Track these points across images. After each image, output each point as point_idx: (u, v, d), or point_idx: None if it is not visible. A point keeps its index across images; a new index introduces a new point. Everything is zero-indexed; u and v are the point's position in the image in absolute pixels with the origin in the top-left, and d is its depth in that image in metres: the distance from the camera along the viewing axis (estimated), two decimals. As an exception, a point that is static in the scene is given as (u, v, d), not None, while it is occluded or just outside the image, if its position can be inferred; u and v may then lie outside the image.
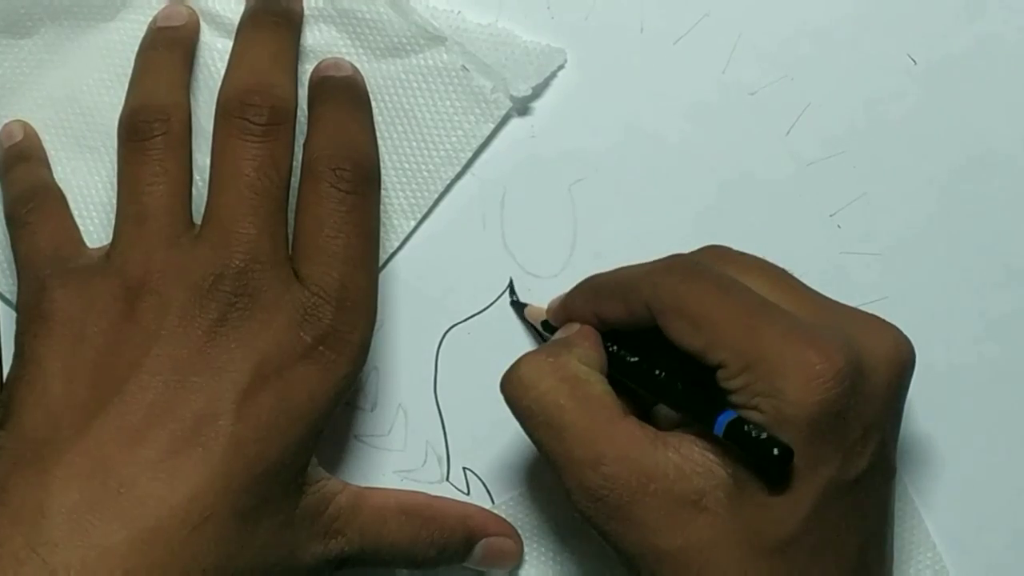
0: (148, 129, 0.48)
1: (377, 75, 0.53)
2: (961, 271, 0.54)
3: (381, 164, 0.51)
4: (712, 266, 0.46)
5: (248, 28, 0.51)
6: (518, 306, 0.53)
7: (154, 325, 0.46)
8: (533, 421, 0.46)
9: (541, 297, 0.53)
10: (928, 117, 0.54)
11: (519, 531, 0.54)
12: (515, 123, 0.54)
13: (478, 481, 0.54)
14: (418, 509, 0.50)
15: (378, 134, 0.52)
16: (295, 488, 0.47)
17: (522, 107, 0.54)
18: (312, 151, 0.49)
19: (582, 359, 0.47)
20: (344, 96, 0.51)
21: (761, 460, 0.43)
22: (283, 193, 0.48)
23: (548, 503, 0.54)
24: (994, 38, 0.54)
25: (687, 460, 0.44)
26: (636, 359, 0.47)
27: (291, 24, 0.51)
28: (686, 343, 0.44)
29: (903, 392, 0.46)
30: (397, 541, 0.50)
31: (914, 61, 0.54)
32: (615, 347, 0.48)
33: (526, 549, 0.54)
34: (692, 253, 0.48)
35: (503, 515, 0.54)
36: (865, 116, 0.54)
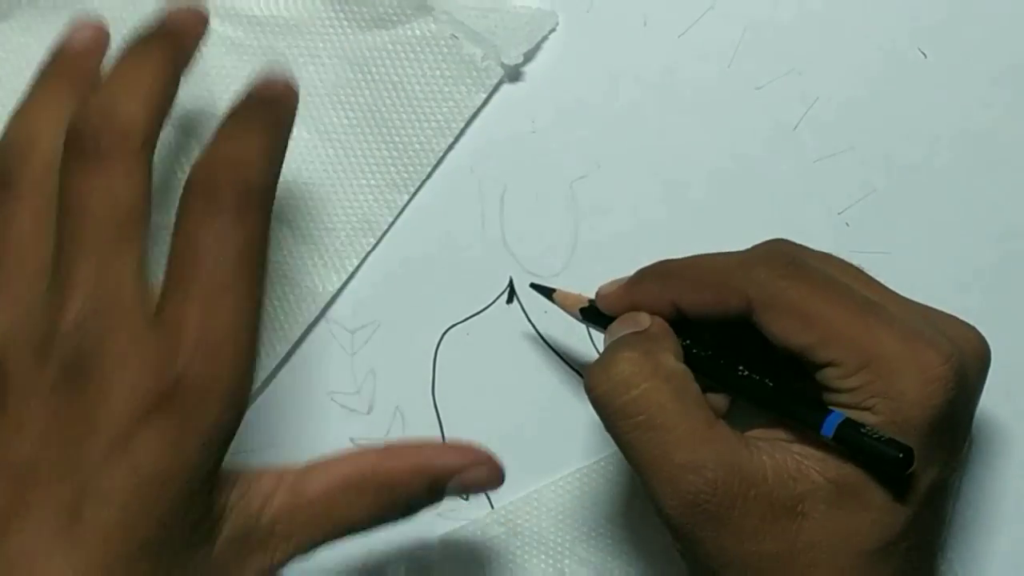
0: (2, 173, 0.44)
1: (363, 47, 0.53)
2: (972, 269, 0.54)
3: (371, 138, 0.49)
4: (805, 260, 0.45)
5: (118, 56, 0.45)
6: (543, 290, 0.51)
7: None
8: (629, 422, 0.44)
9: (542, 297, 0.52)
10: (938, 112, 0.54)
11: (519, 538, 0.53)
12: (516, 118, 0.53)
13: None
14: (367, 479, 0.45)
15: (367, 108, 0.52)
16: (204, 531, 0.43)
17: (514, 74, 0.53)
18: (192, 168, 0.42)
19: (677, 356, 0.45)
20: (253, 113, 0.43)
21: (881, 463, 0.42)
22: (130, 225, 0.42)
23: (550, 508, 0.53)
24: (1007, 31, 0.54)
25: (782, 465, 0.43)
26: (717, 356, 0.46)
27: (171, 46, 0.45)
28: (792, 340, 0.43)
29: (981, 393, 0.46)
30: (354, 520, 0.45)
31: (924, 55, 0.54)
32: (689, 341, 0.46)
33: (526, 556, 0.53)
34: (762, 245, 0.46)
35: (503, 522, 0.53)
36: (874, 112, 0.54)
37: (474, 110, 0.53)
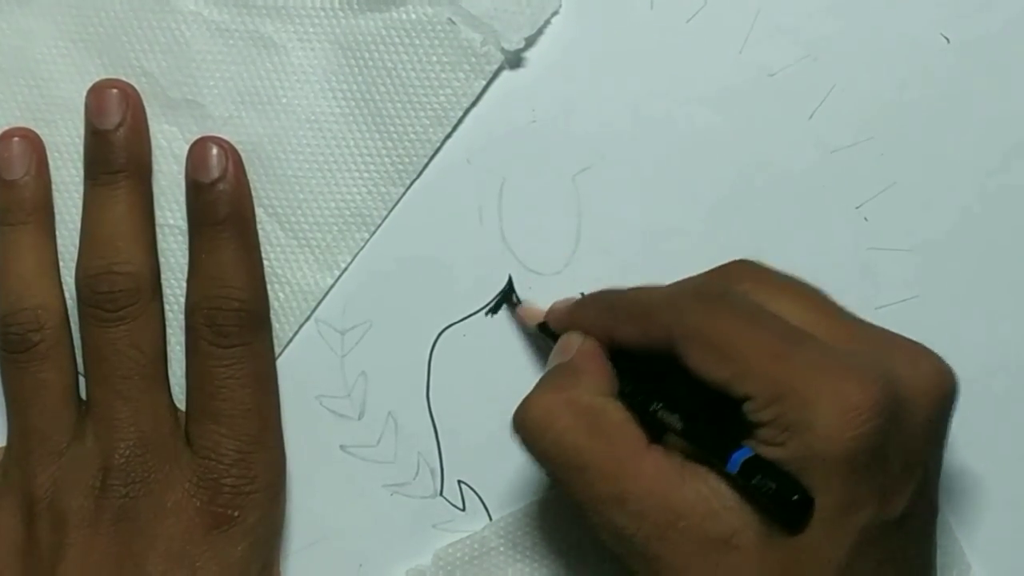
0: (21, 341, 0.50)
1: (356, 31, 0.53)
2: (999, 268, 0.53)
3: (364, 127, 0.51)
4: (739, 292, 0.46)
5: (89, 192, 0.52)
6: (510, 304, 0.53)
7: (55, 542, 0.49)
8: (553, 464, 0.45)
9: (543, 296, 0.53)
10: (962, 100, 0.53)
11: (518, 551, 0.53)
12: (516, 107, 0.53)
13: (474, 496, 0.54)
14: None
15: (359, 96, 0.52)
16: None
17: (514, 60, 0.53)
18: (189, 300, 0.51)
19: (594, 388, 0.46)
20: (218, 223, 0.51)
21: (776, 506, 0.41)
22: (154, 366, 0.51)
23: (550, 520, 0.53)
24: (1034, 14, 0.54)
25: (717, 494, 0.43)
26: (636, 391, 0.46)
27: (136, 173, 0.52)
28: (710, 374, 0.44)
29: (945, 425, 0.45)
30: None
31: (947, 39, 0.53)
32: (620, 370, 0.47)
33: (528, 570, 0.53)
34: (716, 271, 0.48)
35: (501, 534, 0.53)
36: (894, 99, 0.53)
37: (472, 98, 0.53)
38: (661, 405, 0.45)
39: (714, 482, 0.43)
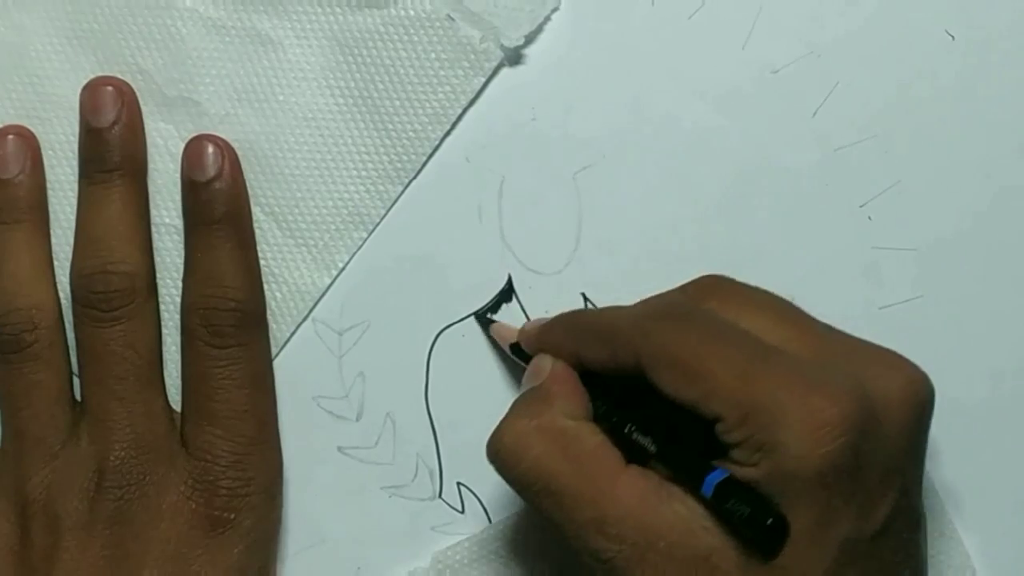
0: (15, 342, 0.50)
1: (353, 28, 0.52)
2: (1005, 268, 0.53)
3: (362, 125, 0.52)
4: (706, 309, 0.46)
5: (83, 191, 0.52)
6: (484, 322, 0.53)
7: (49, 545, 0.49)
8: (530, 491, 0.45)
9: (543, 296, 0.53)
10: (968, 97, 0.53)
11: (520, 553, 0.53)
12: (515, 105, 0.53)
13: (474, 498, 0.53)
14: None
15: (357, 93, 0.52)
16: None
17: (514, 57, 0.53)
18: (184, 300, 0.51)
19: (566, 412, 0.46)
20: (214, 221, 0.51)
21: (751, 530, 0.41)
22: (150, 367, 0.51)
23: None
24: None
25: (696, 514, 0.43)
26: (609, 410, 0.46)
27: (131, 171, 0.52)
28: (680, 395, 0.43)
29: (922, 434, 0.44)
30: None
31: (952, 37, 0.53)
32: (593, 391, 0.47)
33: (528, 573, 0.53)
34: (684, 287, 0.48)
35: (501, 537, 0.53)
36: (898, 97, 0.53)
37: (471, 96, 0.53)
38: (635, 427, 0.45)
39: (692, 502, 0.43)
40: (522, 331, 0.51)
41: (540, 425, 0.45)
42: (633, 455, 0.45)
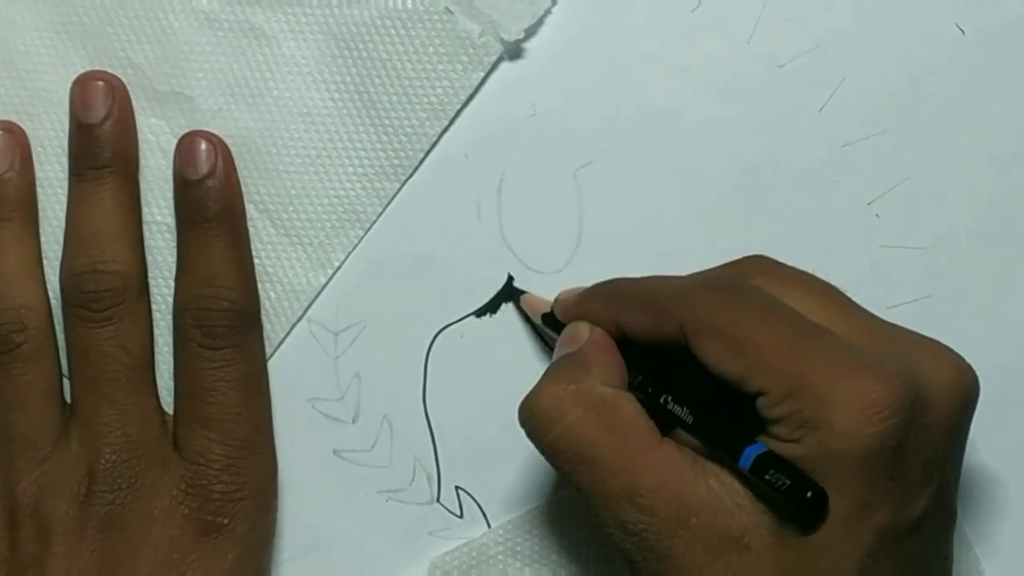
0: (3, 342, 0.50)
1: (350, 22, 0.52)
2: (1015, 267, 0.53)
3: (358, 121, 0.52)
4: (754, 285, 0.46)
5: (73, 188, 0.51)
6: (514, 293, 0.53)
7: (38, 550, 0.49)
8: (562, 457, 0.45)
9: (543, 295, 0.53)
10: (978, 93, 0.53)
11: (518, 559, 0.53)
12: (515, 100, 0.53)
13: (472, 502, 0.53)
14: None
15: (353, 88, 0.52)
16: None
17: (514, 51, 0.53)
18: (177, 300, 0.51)
19: (605, 379, 0.46)
20: (207, 220, 0.51)
21: (790, 503, 0.41)
22: (141, 368, 0.50)
23: (551, 527, 0.53)
24: (1053, 3, 0.54)
25: (730, 491, 0.43)
26: (646, 382, 0.46)
27: (122, 168, 0.51)
28: (724, 368, 0.43)
29: (966, 427, 0.44)
30: None
31: (962, 30, 0.53)
32: (629, 361, 0.47)
33: None
34: (730, 264, 0.48)
35: (500, 541, 0.53)
36: (907, 92, 0.53)
37: (470, 91, 0.53)
38: (671, 398, 0.45)
39: (727, 478, 0.43)
40: (557, 300, 0.51)
41: (578, 391, 0.45)
42: (667, 428, 0.45)
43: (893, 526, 0.42)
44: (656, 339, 0.46)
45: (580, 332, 0.48)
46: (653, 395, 0.46)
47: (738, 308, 0.44)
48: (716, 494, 0.43)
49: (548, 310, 0.51)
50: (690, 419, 0.44)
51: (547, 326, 0.51)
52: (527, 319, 0.53)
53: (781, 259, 0.50)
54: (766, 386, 0.42)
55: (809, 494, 0.40)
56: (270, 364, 0.52)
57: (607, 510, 0.44)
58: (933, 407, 0.42)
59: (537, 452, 0.46)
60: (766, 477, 0.41)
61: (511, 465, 0.53)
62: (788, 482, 0.41)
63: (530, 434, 0.46)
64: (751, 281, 0.46)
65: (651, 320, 0.46)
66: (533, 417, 0.45)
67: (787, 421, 0.42)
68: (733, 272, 0.47)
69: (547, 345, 0.53)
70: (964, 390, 0.44)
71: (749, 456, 0.42)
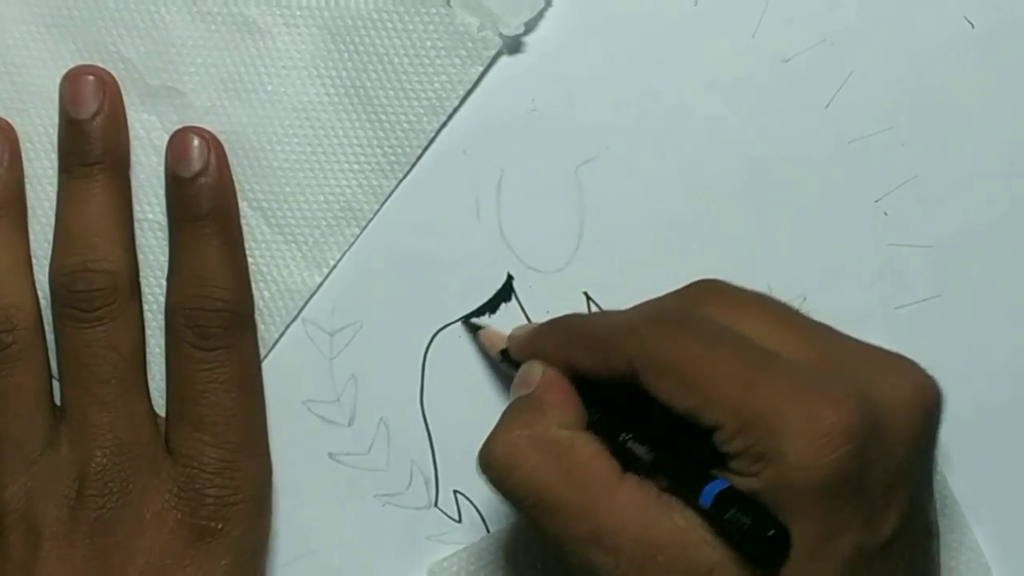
0: None
1: (346, 16, 0.52)
2: None
3: (355, 117, 0.52)
4: (703, 314, 0.45)
5: (63, 185, 0.51)
6: (471, 327, 0.53)
7: (28, 555, 0.49)
8: (523, 504, 0.45)
9: (543, 295, 0.53)
10: (987, 88, 0.53)
11: (519, 564, 0.53)
12: (515, 95, 0.53)
13: (471, 507, 0.53)
14: None
15: (349, 83, 0.52)
16: None
17: (514, 46, 0.53)
18: (169, 300, 0.51)
19: (561, 422, 0.46)
20: (199, 218, 0.51)
21: (751, 543, 0.41)
22: (133, 369, 0.50)
23: None
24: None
25: (695, 526, 0.42)
26: (603, 417, 0.46)
27: (113, 165, 0.51)
28: (677, 403, 0.43)
29: (930, 440, 0.44)
30: None
31: (972, 24, 0.53)
32: (588, 398, 0.47)
33: None
34: (679, 293, 0.48)
35: (500, 545, 0.53)
36: (916, 87, 0.53)
37: (469, 86, 0.53)
38: (630, 436, 0.45)
39: (691, 514, 0.43)
40: (511, 337, 0.51)
41: (532, 435, 0.45)
42: (631, 464, 0.45)
43: (861, 551, 0.41)
44: (608, 377, 0.45)
45: (533, 373, 0.48)
46: (612, 433, 0.45)
47: (686, 341, 0.44)
48: (681, 530, 0.42)
49: (504, 347, 0.51)
50: (650, 457, 0.44)
51: (505, 363, 0.51)
52: (486, 355, 0.53)
53: (788, 258, 0.51)
54: (720, 420, 0.42)
55: (771, 532, 0.40)
56: (264, 365, 0.52)
57: (574, 554, 0.44)
58: (891, 424, 0.42)
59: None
60: (726, 516, 0.41)
61: (510, 468, 0.53)
62: (749, 521, 0.40)
63: (490, 483, 0.45)
64: (701, 310, 0.45)
65: (600, 359, 0.45)
66: (490, 466, 0.45)
67: (744, 456, 0.41)
68: (681, 302, 0.47)
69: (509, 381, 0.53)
70: (923, 403, 0.43)
71: (709, 494, 0.41)
